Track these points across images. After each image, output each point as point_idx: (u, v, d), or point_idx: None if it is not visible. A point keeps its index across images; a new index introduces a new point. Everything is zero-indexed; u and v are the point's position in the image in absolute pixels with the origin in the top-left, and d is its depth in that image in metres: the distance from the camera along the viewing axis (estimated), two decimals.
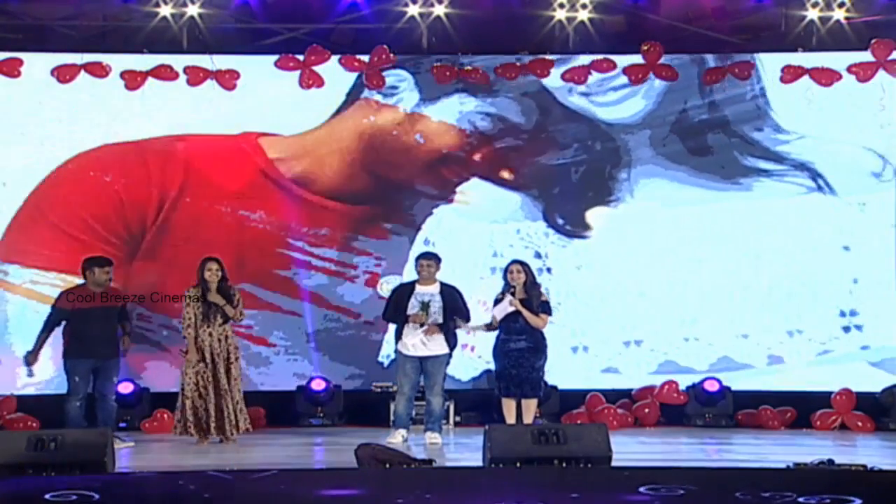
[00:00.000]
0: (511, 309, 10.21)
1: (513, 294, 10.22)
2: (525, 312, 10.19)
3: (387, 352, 10.48)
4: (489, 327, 10.39)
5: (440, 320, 10.26)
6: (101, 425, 9.95)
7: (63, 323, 10.26)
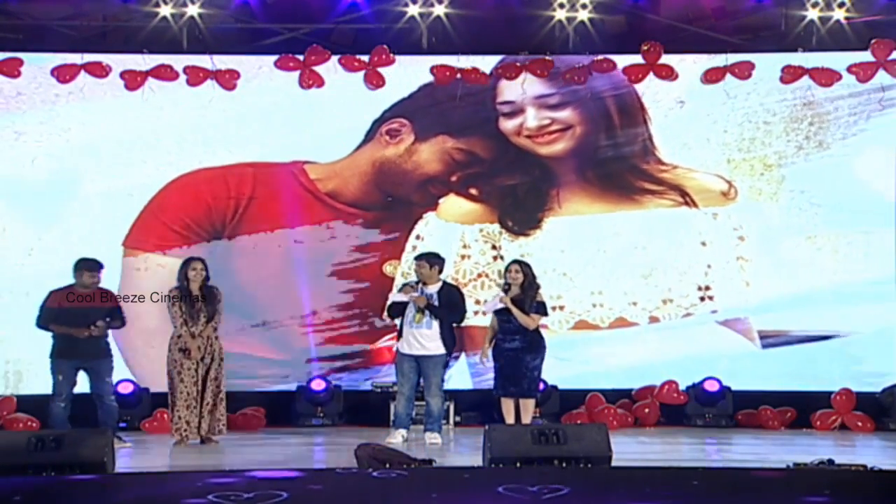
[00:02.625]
0: (500, 305, 10.30)
1: (506, 292, 10.31)
2: (515, 310, 10.23)
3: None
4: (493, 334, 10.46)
5: (436, 304, 10.32)
6: (103, 426, 9.89)
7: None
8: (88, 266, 10.36)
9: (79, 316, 10.15)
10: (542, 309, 10.38)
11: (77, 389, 10.36)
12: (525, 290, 10.32)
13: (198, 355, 10.20)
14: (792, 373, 12.17)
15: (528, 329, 10.25)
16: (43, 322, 10.28)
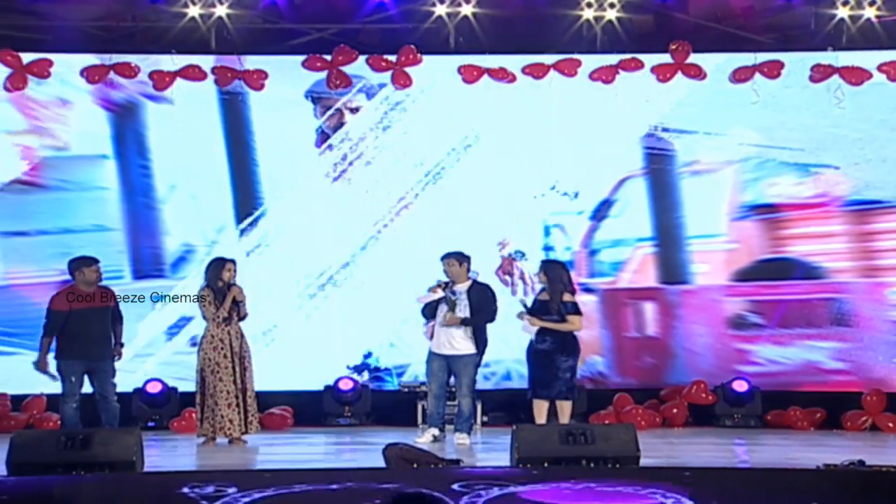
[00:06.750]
0: (531, 329, 10.21)
1: (525, 307, 10.24)
2: (549, 325, 10.12)
3: None
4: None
5: (466, 314, 10.26)
6: (107, 426, 9.81)
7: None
8: (86, 262, 10.14)
9: (88, 317, 10.00)
10: (574, 309, 10.25)
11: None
12: (551, 293, 10.26)
13: (232, 354, 10.21)
14: None
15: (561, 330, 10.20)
16: (50, 329, 9.99)
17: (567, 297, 10.21)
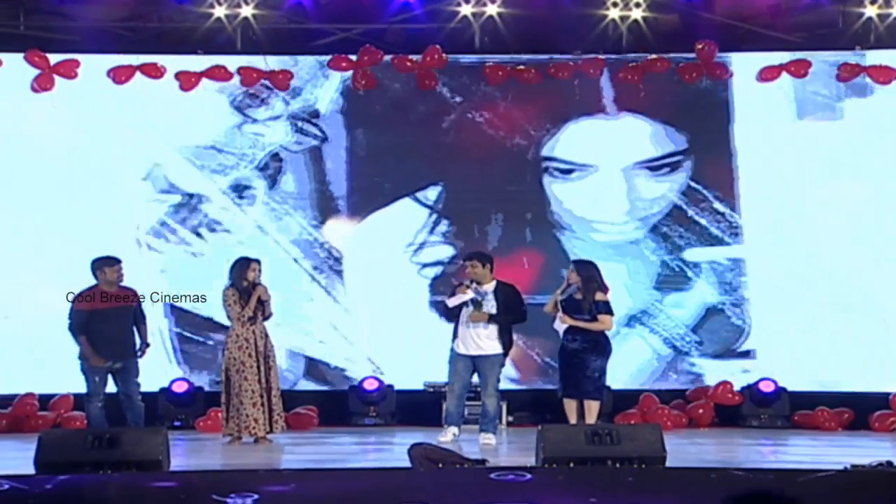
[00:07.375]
0: (564, 326, 10.21)
1: (562, 306, 10.18)
2: (580, 324, 10.12)
3: None
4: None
5: (493, 312, 10.25)
6: (133, 425, 9.86)
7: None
8: (108, 262, 10.16)
9: (110, 317, 10.05)
10: (605, 308, 10.20)
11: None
12: (584, 292, 10.23)
13: (257, 354, 10.22)
14: None
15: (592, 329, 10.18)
16: (77, 328, 10.03)
17: (599, 296, 10.21)
